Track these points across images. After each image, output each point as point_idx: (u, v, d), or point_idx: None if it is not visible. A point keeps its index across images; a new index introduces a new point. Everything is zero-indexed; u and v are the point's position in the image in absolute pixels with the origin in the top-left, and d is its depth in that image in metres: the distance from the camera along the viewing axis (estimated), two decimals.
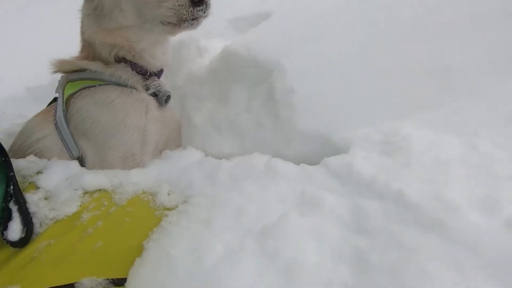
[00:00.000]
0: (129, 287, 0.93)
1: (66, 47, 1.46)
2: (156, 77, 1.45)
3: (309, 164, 1.21)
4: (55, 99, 1.47)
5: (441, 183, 0.93)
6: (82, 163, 1.31)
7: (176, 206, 1.10)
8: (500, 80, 1.28)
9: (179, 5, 1.18)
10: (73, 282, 0.93)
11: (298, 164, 1.23)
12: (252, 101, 1.46)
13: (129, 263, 0.97)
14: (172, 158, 1.37)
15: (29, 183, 1.11)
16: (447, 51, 1.37)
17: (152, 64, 1.41)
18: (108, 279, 0.95)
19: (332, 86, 1.37)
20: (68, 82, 1.39)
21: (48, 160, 1.25)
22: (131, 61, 1.38)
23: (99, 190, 1.11)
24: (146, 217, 1.07)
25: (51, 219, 1.01)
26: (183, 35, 1.55)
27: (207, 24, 1.31)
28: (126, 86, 1.36)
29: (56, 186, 1.08)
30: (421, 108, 1.24)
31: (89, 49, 1.38)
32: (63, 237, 0.98)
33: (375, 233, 0.88)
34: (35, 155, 1.29)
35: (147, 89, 1.41)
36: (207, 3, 1.21)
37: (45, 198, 1.05)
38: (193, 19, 1.21)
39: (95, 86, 1.34)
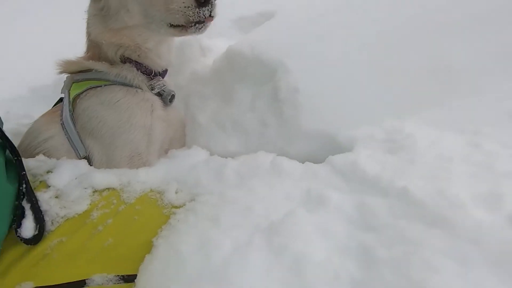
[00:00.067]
0: (139, 283, 0.95)
1: (67, 47, 1.48)
2: (160, 77, 1.46)
3: (314, 163, 1.23)
4: (60, 100, 1.49)
5: (445, 180, 0.95)
6: (89, 162, 1.33)
7: (184, 204, 1.12)
8: (503, 78, 1.30)
9: (185, 7, 1.19)
10: (84, 279, 0.95)
11: (303, 163, 1.25)
12: (256, 100, 1.47)
13: (138, 260, 0.99)
14: (178, 157, 1.39)
15: (40, 182, 1.12)
16: (450, 50, 1.39)
17: (158, 64, 1.42)
18: (118, 275, 0.97)
19: (336, 85, 1.38)
20: (73, 82, 1.41)
21: (56, 159, 1.27)
22: (136, 61, 1.39)
23: (108, 188, 1.12)
24: (154, 215, 1.09)
25: (62, 217, 1.02)
26: None
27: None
28: (131, 86, 1.38)
29: (66, 184, 1.10)
30: (424, 106, 1.26)
31: (94, 49, 1.40)
32: (74, 234, 1.00)
33: (381, 229, 0.90)
34: (43, 154, 1.30)
35: (152, 89, 1.42)
36: (213, 3, 1.22)
37: (56, 197, 1.07)
38: (200, 23, 1.22)
39: (101, 86, 1.36)
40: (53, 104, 1.54)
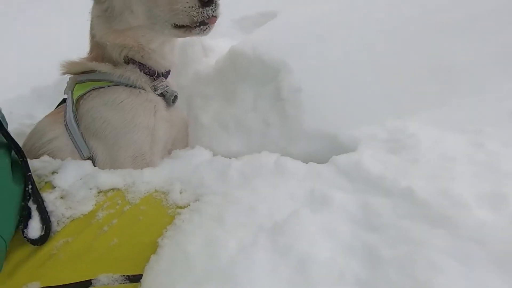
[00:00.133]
0: (145, 284, 0.95)
1: (68, 47, 1.49)
2: (163, 78, 1.47)
3: (316, 162, 1.24)
4: (64, 100, 1.50)
5: (448, 180, 0.96)
6: (92, 163, 1.33)
7: (188, 204, 1.12)
8: (503, 78, 1.31)
9: (189, 7, 1.20)
10: (90, 279, 0.96)
11: (305, 162, 1.26)
12: (258, 100, 1.48)
13: (143, 260, 0.99)
14: (182, 158, 1.39)
15: (45, 182, 1.13)
16: (450, 49, 1.40)
17: (161, 64, 1.43)
18: (124, 275, 0.98)
19: (338, 85, 1.39)
20: (76, 83, 1.41)
21: (61, 160, 1.28)
22: (140, 62, 1.40)
23: (113, 189, 1.13)
24: (159, 215, 1.10)
25: (67, 218, 1.03)
26: None
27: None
28: (134, 87, 1.39)
29: (71, 185, 1.11)
30: (426, 106, 1.27)
31: (98, 50, 1.40)
32: (80, 235, 1.01)
33: (385, 229, 0.91)
34: (47, 155, 1.31)
35: (155, 90, 1.43)
36: (216, 3, 1.23)
37: (61, 197, 1.08)
38: (204, 24, 1.23)
39: (104, 87, 1.36)
40: (56, 105, 1.54)
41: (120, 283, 0.97)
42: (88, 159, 1.33)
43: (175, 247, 0.98)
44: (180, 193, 1.16)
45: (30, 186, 1.03)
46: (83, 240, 1.00)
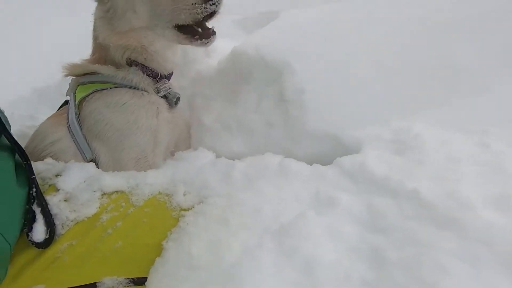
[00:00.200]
0: (150, 286, 0.95)
1: (69, 47, 1.48)
2: (166, 80, 1.46)
3: (319, 163, 1.23)
4: (66, 102, 1.49)
5: (455, 181, 0.96)
6: (95, 165, 1.33)
7: (192, 207, 1.12)
8: (506, 78, 1.31)
9: (192, 4, 1.20)
10: (95, 282, 0.95)
11: (308, 163, 1.25)
12: (261, 101, 1.47)
13: (148, 263, 0.99)
14: (186, 159, 1.39)
15: (49, 185, 1.13)
16: (454, 49, 1.40)
17: (163, 66, 1.42)
18: (128, 278, 0.98)
19: (342, 85, 1.39)
20: (78, 85, 1.41)
21: (64, 162, 1.27)
22: (143, 64, 1.39)
23: (117, 191, 1.13)
24: (163, 218, 1.09)
25: (72, 221, 1.03)
26: None
27: (213, 24, 1.33)
28: (137, 89, 1.38)
29: (75, 188, 1.10)
30: (431, 106, 1.26)
31: (101, 52, 1.40)
32: (84, 237, 1.00)
33: (391, 230, 0.90)
34: (50, 157, 1.30)
35: (158, 92, 1.42)
36: None
37: (65, 200, 1.07)
38: (206, 38, 1.27)
39: (107, 89, 1.36)
40: (59, 107, 1.54)
41: (125, 286, 0.97)
42: (91, 161, 1.33)
43: (180, 249, 0.98)
44: (184, 195, 1.16)
45: (34, 189, 1.02)
46: (88, 243, 1.00)
